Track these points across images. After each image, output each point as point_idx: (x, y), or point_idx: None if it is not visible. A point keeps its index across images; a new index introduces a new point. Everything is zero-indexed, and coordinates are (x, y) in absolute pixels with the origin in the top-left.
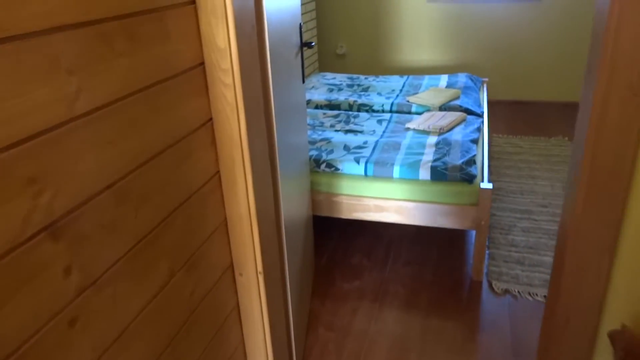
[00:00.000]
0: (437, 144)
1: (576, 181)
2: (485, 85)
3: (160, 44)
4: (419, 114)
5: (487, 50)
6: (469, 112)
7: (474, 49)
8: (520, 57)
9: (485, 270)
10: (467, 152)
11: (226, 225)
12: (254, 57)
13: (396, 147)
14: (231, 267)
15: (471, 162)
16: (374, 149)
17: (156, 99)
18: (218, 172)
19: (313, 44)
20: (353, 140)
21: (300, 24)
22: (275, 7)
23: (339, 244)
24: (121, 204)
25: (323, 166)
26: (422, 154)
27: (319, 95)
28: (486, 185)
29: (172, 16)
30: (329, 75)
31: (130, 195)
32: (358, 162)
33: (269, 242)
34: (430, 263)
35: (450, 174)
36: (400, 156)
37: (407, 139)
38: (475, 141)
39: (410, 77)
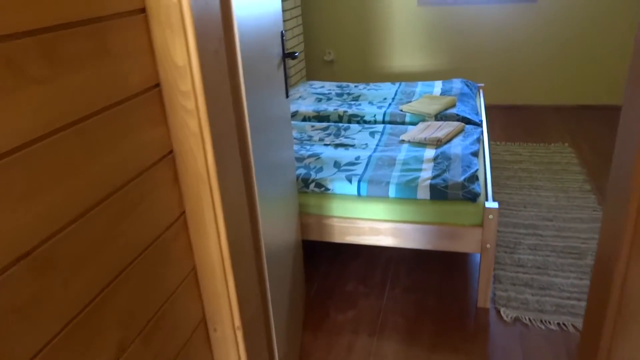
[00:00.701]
0: (435, 158)
1: (622, 203)
2: (481, 91)
3: (97, 63)
4: (414, 124)
5: (481, 54)
6: (466, 121)
7: (468, 52)
8: (516, 60)
9: (491, 295)
10: (468, 166)
11: (196, 274)
12: (222, 75)
13: (391, 162)
14: (204, 321)
15: (473, 178)
16: (367, 165)
17: (94, 133)
18: (183, 213)
19: (297, 54)
20: (344, 155)
21: (282, 32)
22: (250, 14)
23: (331, 269)
24: (42, 277)
25: (312, 186)
26: (420, 170)
27: (306, 106)
28: (491, 204)
29: (114, 28)
30: (317, 84)
31: (55, 263)
32: (350, 181)
33: (247, 290)
34: (431, 289)
35: (451, 192)
36: (396, 173)
37: (403, 153)
38: (476, 154)
39: (403, 84)
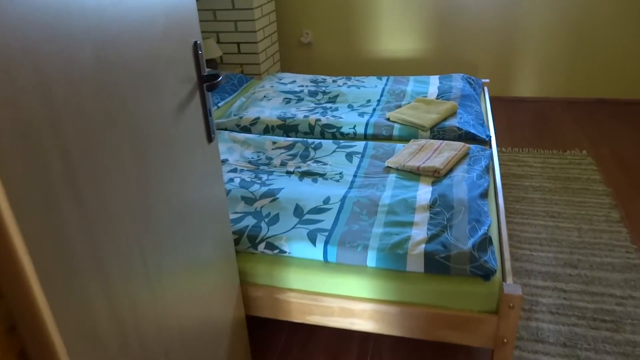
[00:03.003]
0: (432, 205)
1: None
2: (486, 90)
3: None
4: (404, 140)
5: (482, 38)
6: (470, 136)
7: (467, 36)
8: (522, 45)
9: None
10: (477, 220)
11: None
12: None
13: (372, 209)
14: None
15: (486, 243)
16: (338, 213)
17: None
18: None
19: (221, 77)
20: (310, 194)
21: (197, 42)
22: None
23: (292, 344)
24: None
25: (262, 246)
26: (411, 224)
27: (271, 110)
28: (512, 288)
29: None
30: (287, 77)
31: None
32: (314, 242)
33: None
34: None
35: (454, 266)
36: (377, 229)
37: (389, 191)
38: (485, 194)
39: (391, 79)
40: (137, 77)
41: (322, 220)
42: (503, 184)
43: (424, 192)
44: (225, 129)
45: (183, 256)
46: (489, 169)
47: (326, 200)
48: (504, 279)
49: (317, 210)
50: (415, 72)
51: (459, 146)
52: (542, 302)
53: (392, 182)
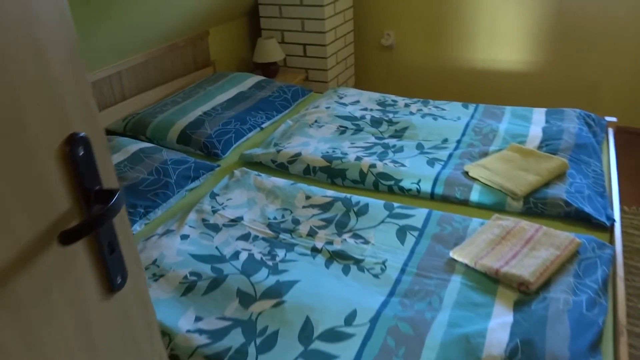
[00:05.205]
0: (509, 356)
1: None
2: (611, 136)
3: None
4: (483, 210)
5: (610, 53)
6: (582, 216)
7: (591, 49)
8: None
9: None
10: None
11: None
12: None
13: (414, 346)
14: None
15: None
16: (363, 346)
17: None
18: None
19: (114, 200)
20: (332, 299)
21: (80, 136)
22: None
23: None
24: None
25: None
26: None
27: (318, 142)
28: None
29: None
30: (351, 94)
31: None
32: None
33: None
34: None
35: None
36: None
37: (445, 313)
38: (599, 341)
39: (481, 108)
40: None
41: (336, 358)
42: (625, 269)
43: (499, 326)
44: (260, 163)
45: None
46: (607, 285)
47: (350, 318)
48: None
49: (334, 335)
50: (517, 90)
51: (564, 241)
52: None
53: (455, 293)
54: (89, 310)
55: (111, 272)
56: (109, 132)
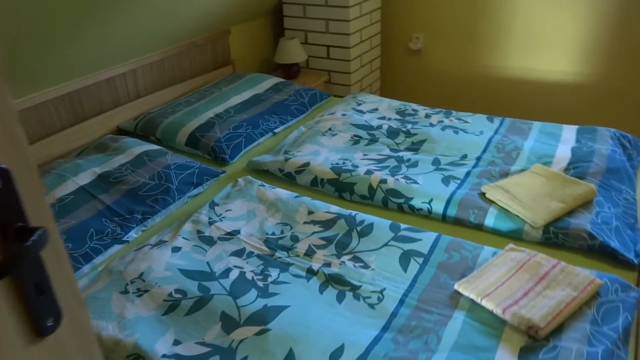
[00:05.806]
0: None
1: None
2: None
3: None
4: (498, 237)
5: None
6: (607, 251)
7: (635, 65)
8: None
9: None
10: None
11: None
12: None
13: None
14: None
15: None
16: None
17: None
18: None
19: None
20: (320, 329)
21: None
22: None
23: None
24: None
25: None
26: None
27: (329, 152)
28: None
29: None
30: (371, 100)
31: None
32: None
33: None
34: None
35: None
36: None
37: (442, 355)
38: None
39: (507, 123)
40: None
41: None
42: None
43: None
44: (268, 171)
45: None
46: (629, 334)
47: (337, 354)
48: None
49: None
50: (553, 103)
51: (583, 281)
52: None
53: (455, 333)
54: (9, 358)
55: (39, 315)
56: (120, 132)
